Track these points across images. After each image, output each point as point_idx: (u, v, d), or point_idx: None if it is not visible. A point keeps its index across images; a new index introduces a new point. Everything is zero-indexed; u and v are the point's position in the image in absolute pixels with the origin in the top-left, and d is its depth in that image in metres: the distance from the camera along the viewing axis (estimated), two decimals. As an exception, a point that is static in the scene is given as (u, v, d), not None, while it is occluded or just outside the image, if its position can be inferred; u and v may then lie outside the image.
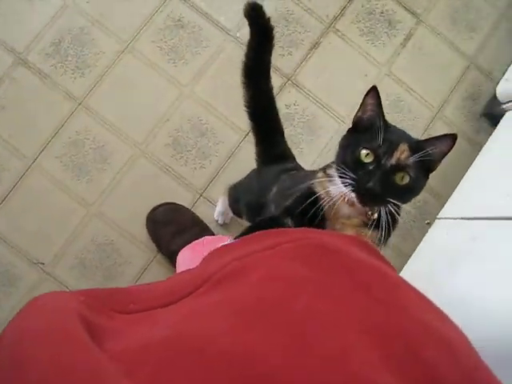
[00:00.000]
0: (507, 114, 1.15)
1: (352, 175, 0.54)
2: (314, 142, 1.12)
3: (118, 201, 1.07)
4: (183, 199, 1.07)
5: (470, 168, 1.14)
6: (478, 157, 1.14)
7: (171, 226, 1.06)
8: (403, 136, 0.58)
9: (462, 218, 1.02)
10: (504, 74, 1.16)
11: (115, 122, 1.08)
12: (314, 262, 0.38)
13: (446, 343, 0.32)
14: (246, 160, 1.09)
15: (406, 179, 0.54)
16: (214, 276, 0.39)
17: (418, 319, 0.33)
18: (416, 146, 0.55)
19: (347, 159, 0.56)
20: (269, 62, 0.74)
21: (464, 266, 0.87)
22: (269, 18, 0.69)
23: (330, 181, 0.58)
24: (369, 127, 0.57)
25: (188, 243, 0.98)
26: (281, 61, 1.12)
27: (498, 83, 1.15)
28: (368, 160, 0.55)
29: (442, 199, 1.11)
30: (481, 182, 1.06)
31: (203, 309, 0.35)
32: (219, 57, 1.11)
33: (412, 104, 1.16)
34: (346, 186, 0.55)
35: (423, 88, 1.17)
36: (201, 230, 1.03)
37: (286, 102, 1.12)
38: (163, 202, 1.07)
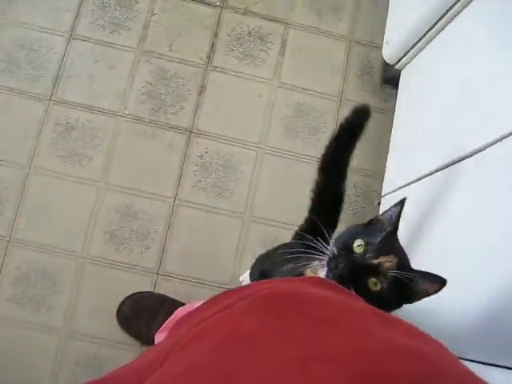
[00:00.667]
0: (402, 73, 1.26)
1: (334, 251, 0.60)
2: (240, 178, 1.21)
3: (85, 315, 1.15)
4: (144, 285, 1.15)
5: (392, 136, 1.23)
6: (394, 122, 1.23)
7: (142, 316, 1.12)
8: (401, 254, 0.62)
9: (401, 187, 1.11)
10: (383, 38, 1.26)
11: (49, 242, 1.18)
12: (267, 312, 0.41)
13: (415, 355, 0.34)
14: (184, 221, 1.18)
15: (377, 286, 0.58)
16: (175, 347, 0.42)
17: (380, 340, 0.35)
18: (405, 267, 0.60)
19: (341, 239, 0.62)
20: (348, 161, 0.80)
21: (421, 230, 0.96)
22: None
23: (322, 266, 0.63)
24: (378, 227, 0.62)
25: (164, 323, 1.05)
26: (176, 118, 1.22)
27: (382, 49, 1.25)
28: (356, 250, 0.60)
29: (381, 175, 1.20)
30: (405, 145, 1.17)
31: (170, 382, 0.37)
32: (118, 140, 1.21)
33: (314, 103, 1.26)
34: (323, 259, 0.61)
35: (317, 84, 1.28)
36: (170, 305, 1.09)
37: (197, 153, 1.21)
38: (125, 296, 1.13)
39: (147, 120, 1.31)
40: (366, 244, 0.59)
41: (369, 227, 0.64)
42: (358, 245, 0.60)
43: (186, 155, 1.30)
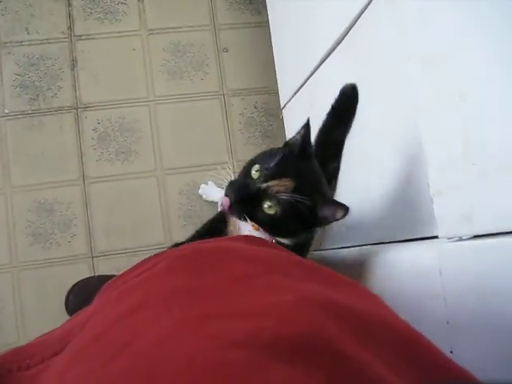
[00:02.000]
0: None
1: (231, 178, 0.64)
2: (141, 137, 1.30)
3: (37, 323, 1.24)
4: (82, 272, 1.26)
5: (273, 47, 1.33)
6: (271, 32, 1.33)
7: (90, 301, 1.22)
8: (304, 178, 0.64)
9: (295, 93, 1.21)
10: None
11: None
12: (182, 271, 0.43)
13: (333, 306, 0.35)
14: (101, 198, 1.34)
15: (272, 210, 0.62)
16: (96, 311, 0.45)
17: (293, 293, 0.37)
18: (306, 191, 0.62)
19: (245, 166, 0.67)
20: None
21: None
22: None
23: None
24: (281, 151, 0.66)
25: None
26: (57, 100, 1.31)
27: None
28: (254, 176, 0.63)
29: (277, 90, 1.30)
30: (286, 51, 1.29)
31: (80, 350, 0.38)
32: (8, 142, 1.29)
33: (189, 39, 1.36)
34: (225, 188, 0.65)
35: (186, 19, 1.38)
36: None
37: (91, 127, 1.30)
38: (68, 290, 1.23)
39: (29, 111, 1.38)
40: (262, 169, 0.63)
41: (273, 152, 0.67)
42: (255, 170, 0.64)
43: (79, 133, 1.38)
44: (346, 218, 0.65)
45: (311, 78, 1.16)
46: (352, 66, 0.93)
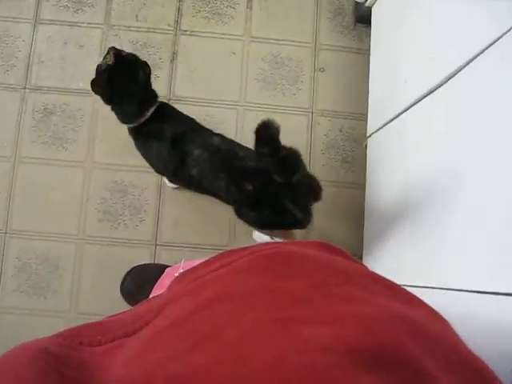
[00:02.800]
0: (373, 9, 1.44)
1: None
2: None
3: (91, 296, 1.36)
4: (143, 257, 1.36)
5: (370, 74, 1.42)
6: (370, 61, 1.42)
7: (145, 288, 1.33)
8: None
9: (384, 125, 1.30)
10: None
11: (45, 229, 1.38)
12: (268, 269, 0.45)
13: (411, 323, 0.37)
14: (177, 190, 1.41)
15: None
16: (170, 302, 0.46)
17: (378, 305, 0.39)
18: None
19: None
20: None
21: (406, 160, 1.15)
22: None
23: None
24: None
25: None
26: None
27: None
28: None
29: (365, 117, 1.39)
30: (382, 82, 1.35)
31: (157, 335, 0.40)
32: (98, 119, 1.41)
33: (289, 52, 1.45)
34: None
35: (290, 33, 1.46)
36: (171, 274, 1.29)
37: None
38: (126, 272, 1.34)
39: (124, 94, 1.51)
40: None
41: None
42: None
43: None
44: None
45: (405, 113, 1.23)
46: (451, 109, 0.97)
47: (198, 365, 0.34)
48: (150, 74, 1.04)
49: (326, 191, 1.32)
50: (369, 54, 1.46)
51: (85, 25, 1.50)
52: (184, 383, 0.32)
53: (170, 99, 1.46)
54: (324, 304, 0.39)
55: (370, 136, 1.42)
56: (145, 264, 1.41)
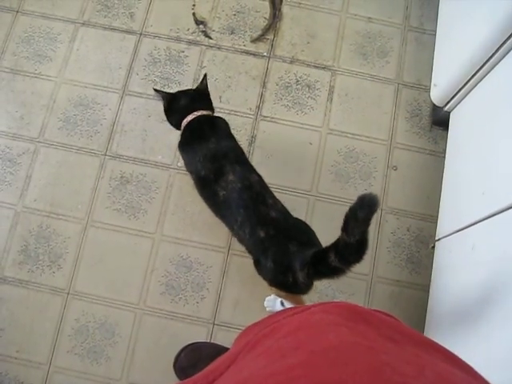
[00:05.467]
0: (451, 114, 1.76)
1: None
2: None
3: (143, 367, 1.63)
4: (199, 335, 1.64)
5: (444, 178, 1.73)
6: (445, 164, 1.73)
7: (199, 366, 1.60)
8: None
9: (456, 231, 1.58)
10: (431, 80, 1.79)
11: (106, 294, 1.67)
12: (341, 314, 0.58)
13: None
14: (240, 272, 1.66)
15: None
16: (242, 351, 0.57)
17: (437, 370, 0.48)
18: None
19: None
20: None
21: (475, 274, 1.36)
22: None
23: None
24: None
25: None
26: None
27: (430, 91, 1.76)
28: None
29: (435, 219, 1.68)
30: (457, 188, 1.61)
31: (241, 363, 0.53)
32: (172, 193, 1.73)
33: (364, 148, 1.77)
34: None
35: (367, 129, 1.79)
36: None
37: None
38: (182, 347, 1.63)
39: (200, 171, 1.85)
40: None
41: None
42: None
43: None
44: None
45: (481, 223, 1.38)
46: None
47: (293, 366, 0.45)
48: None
49: (387, 289, 1.60)
50: (443, 157, 1.77)
51: (170, 101, 1.86)
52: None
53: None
54: (397, 351, 0.51)
55: (438, 240, 1.70)
56: (200, 342, 1.68)
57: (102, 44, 1.86)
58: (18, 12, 1.92)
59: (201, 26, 1.82)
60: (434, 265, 1.65)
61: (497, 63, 1.47)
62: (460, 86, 1.66)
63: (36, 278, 1.68)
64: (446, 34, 1.76)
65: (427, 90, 1.78)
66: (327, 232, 1.70)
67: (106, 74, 1.83)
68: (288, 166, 1.74)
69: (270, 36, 1.86)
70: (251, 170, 1.32)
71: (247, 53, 1.84)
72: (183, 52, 1.84)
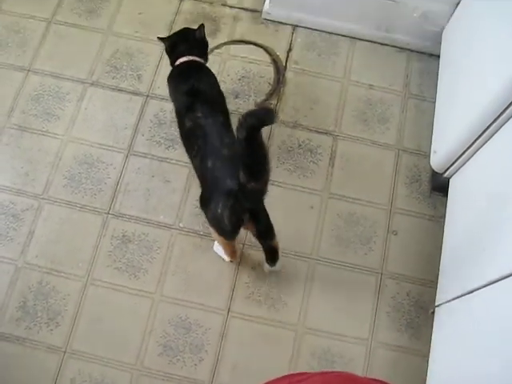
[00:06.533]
0: (451, 181, 1.90)
1: None
2: (293, 285, 1.82)
3: None
4: (196, 399, 1.73)
5: (443, 244, 1.86)
6: (445, 230, 1.86)
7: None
8: None
9: (456, 298, 1.69)
10: (431, 147, 1.94)
11: (104, 354, 1.76)
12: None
13: None
14: (239, 335, 1.76)
15: None
16: None
17: None
18: None
19: None
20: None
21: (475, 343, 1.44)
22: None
23: None
24: None
25: None
26: None
27: (430, 157, 1.91)
28: None
29: (434, 284, 1.79)
30: (457, 255, 1.71)
31: None
32: (173, 253, 1.86)
33: (365, 212, 1.91)
34: None
35: (367, 193, 1.93)
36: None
37: (250, 265, 1.85)
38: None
39: (201, 233, 1.96)
40: None
41: None
42: None
43: (239, 268, 1.94)
44: None
45: (481, 290, 1.45)
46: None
47: None
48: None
49: (387, 355, 1.70)
50: (443, 223, 1.90)
51: (174, 162, 2.01)
52: None
53: (244, 243, 1.93)
54: None
55: (438, 306, 1.81)
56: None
57: (109, 104, 2.02)
58: (29, 71, 2.08)
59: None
60: (433, 331, 1.75)
61: (496, 132, 1.60)
62: (459, 154, 1.78)
63: (33, 336, 1.78)
64: (445, 102, 1.92)
65: (427, 156, 1.93)
66: (329, 298, 1.82)
67: (112, 133, 1.98)
68: (289, 230, 1.86)
69: (274, 101, 2.02)
70: (219, 112, 1.55)
71: (251, 116, 2.00)
72: (189, 114, 1.99)
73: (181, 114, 1.57)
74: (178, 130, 1.63)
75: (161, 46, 2.02)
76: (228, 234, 1.51)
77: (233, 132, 1.43)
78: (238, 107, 2.00)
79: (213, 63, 1.97)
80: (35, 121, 2.00)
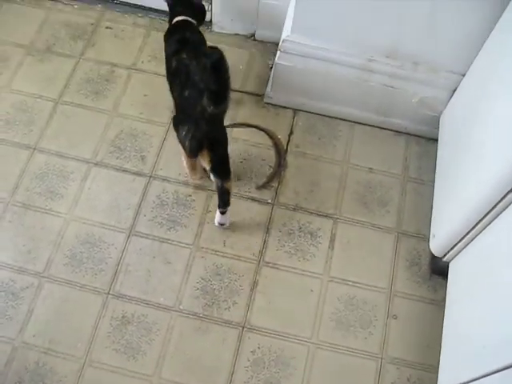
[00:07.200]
0: (450, 264, 1.99)
1: None
2: (293, 374, 1.88)
3: None
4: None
5: (444, 328, 1.92)
6: (445, 314, 1.93)
7: None
8: None
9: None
10: (430, 230, 2.04)
11: None
12: None
13: None
14: None
15: None
16: None
17: None
18: None
19: None
20: None
21: None
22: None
23: None
24: None
25: None
26: (229, 313, 1.94)
27: (429, 241, 2.00)
28: None
29: (435, 369, 1.83)
30: (457, 340, 1.76)
31: None
32: (172, 335, 1.92)
33: (364, 296, 1.99)
34: None
35: (367, 276, 2.01)
36: None
37: (250, 349, 1.91)
38: None
39: (201, 315, 2.03)
40: None
41: None
42: None
43: (238, 350, 2.01)
44: None
45: (482, 379, 1.48)
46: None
47: None
48: None
49: None
50: (443, 306, 1.96)
51: (175, 243, 2.10)
52: None
53: (244, 326, 1.99)
54: None
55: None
56: None
57: (112, 184, 2.13)
58: (35, 149, 2.21)
59: (208, 172, 2.10)
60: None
61: (496, 217, 1.65)
62: (458, 239, 1.86)
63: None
64: (444, 186, 2.02)
65: (426, 239, 2.02)
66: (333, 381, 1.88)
67: (115, 213, 2.08)
68: (289, 313, 1.94)
69: (275, 184, 2.13)
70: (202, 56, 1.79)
71: (252, 199, 2.11)
72: (190, 196, 2.11)
73: (169, 58, 1.88)
74: (165, 71, 1.95)
75: (164, 128, 2.15)
76: (190, 152, 1.79)
77: None
78: (239, 190, 2.10)
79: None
80: (39, 199, 2.10)
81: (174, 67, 1.83)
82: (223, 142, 1.79)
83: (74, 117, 2.28)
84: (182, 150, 1.85)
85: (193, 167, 1.97)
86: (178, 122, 1.80)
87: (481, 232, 1.75)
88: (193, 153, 1.78)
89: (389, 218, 2.07)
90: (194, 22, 1.98)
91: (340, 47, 2.00)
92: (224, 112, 1.72)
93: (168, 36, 1.98)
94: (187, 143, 1.73)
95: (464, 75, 2.00)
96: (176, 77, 1.83)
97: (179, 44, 1.86)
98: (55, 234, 2.04)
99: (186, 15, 1.98)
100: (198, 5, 2.04)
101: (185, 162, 1.96)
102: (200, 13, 2.05)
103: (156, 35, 2.30)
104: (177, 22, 1.97)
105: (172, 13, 2.01)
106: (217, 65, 1.52)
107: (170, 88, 1.87)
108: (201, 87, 1.67)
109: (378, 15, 1.88)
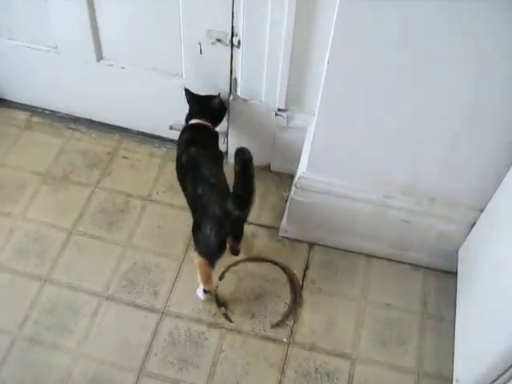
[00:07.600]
0: None
1: None
2: None
3: None
4: None
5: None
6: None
7: None
8: None
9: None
10: (452, 373, 1.98)
11: None
12: None
13: None
14: None
15: None
16: None
17: None
18: None
19: None
20: None
21: None
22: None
23: None
24: None
25: None
26: None
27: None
28: None
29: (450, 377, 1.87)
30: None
31: None
32: None
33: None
34: None
35: None
36: None
37: None
38: None
39: None
40: None
41: None
42: None
43: None
44: None
45: None
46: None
47: None
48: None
49: None
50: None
51: (187, 384, 2.07)
52: None
53: None
54: None
55: None
56: None
57: (123, 320, 2.12)
58: (46, 281, 2.22)
59: (222, 309, 2.09)
60: None
61: None
62: (487, 384, 1.81)
63: None
64: (466, 325, 1.97)
65: (448, 380, 1.98)
66: None
67: (125, 351, 2.06)
68: None
69: (290, 322, 2.12)
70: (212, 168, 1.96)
71: (267, 338, 2.09)
72: (203, 334, 2.09)
73: (180, 156, 2.03)
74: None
75: (178, 262, 2.18)
76: (213, 254, 1.83)
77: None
78: (253, 328, 2.09)
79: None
80: (47, 333, 2.09)
81: (184, 164, 1.97)
82: (242, 232, 1.88)
83: (87, 248, 2.30)
84: (198, 261, 1.89)
85: (208, 276, 1.98)
86: (197, 226, 1.83)
87: (508, 381, 1.68)
88: (217, 255, 1.85)
89: (408, 358, 2.06)
90: (209, 125, 2.10)
91: (356, 184, 2.05)
92: (249, 213, 1.77)
93: (182, 135, 2.15)
94: (212, 243, 1.78)
95: (482, 210, 2.00)
96: (187, 174, 1.95)
97: (188, 143, 2.03)
98: (62, 372, 2.02)
99: (202, 118, 2.11)
100: (215, 107, 2.14)
101: (200, 272, 1.97)
102: (218, 115, 2.17)
103: (171, 165, 2.36)
104: (192, 124, 2.11)
105: (190, 111, 2.16)
106: (245, 166, 1.62)
107: (183, 189, 2.00)
108: (212, 182, 1.82)
109: (393, 154, 1.93)
